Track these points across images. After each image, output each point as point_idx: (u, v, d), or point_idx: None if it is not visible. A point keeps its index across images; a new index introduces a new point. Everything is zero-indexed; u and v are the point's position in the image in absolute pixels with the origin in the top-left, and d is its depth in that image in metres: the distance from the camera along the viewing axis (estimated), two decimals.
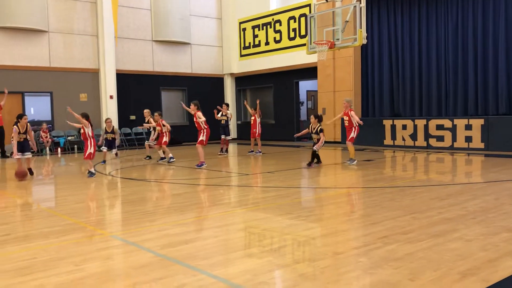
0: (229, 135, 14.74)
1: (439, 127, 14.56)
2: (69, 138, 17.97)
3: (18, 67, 17.07)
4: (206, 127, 11.28)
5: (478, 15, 14.61)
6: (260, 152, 14.43)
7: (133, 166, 12.57)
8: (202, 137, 11.22)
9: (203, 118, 11.20)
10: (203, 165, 11.14)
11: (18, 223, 5.98)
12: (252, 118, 14.56)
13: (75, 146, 17.79)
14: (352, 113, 11.18)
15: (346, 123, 11.32)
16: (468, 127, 13.87)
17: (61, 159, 15.43)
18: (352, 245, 4.53)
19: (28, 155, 10.18)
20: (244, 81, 22.78)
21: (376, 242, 4.49)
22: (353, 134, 11.22)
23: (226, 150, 14.76)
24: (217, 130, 14.76)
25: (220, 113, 14.50)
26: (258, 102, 14.95)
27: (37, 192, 9.02)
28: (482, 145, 13.58)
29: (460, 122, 14.08)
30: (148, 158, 13.74)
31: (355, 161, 11.15)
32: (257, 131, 14.39)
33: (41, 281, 3.62)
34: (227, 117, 14.56)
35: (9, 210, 6.91)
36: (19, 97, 17.36)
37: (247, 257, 4.20)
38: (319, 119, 10.93)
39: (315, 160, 10.89)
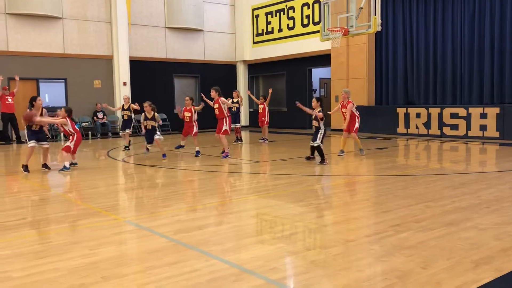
0: (239, 123, 14.52)
1: (454, 115, 14.39)
2: (83, 124, 18.12)
3: (33, 53, 17.19)
4: (228, 115, 10.93)
5: (495, 2, 14.32)
6: (266, 139, 14.38)
7: (146, 153, 12.63)
8: (225, 126, 10.67)
9: (228, 102, 10.93)
10: (228, 155, 10.71)
11: (33, 207, 6.07)
12: (261, 106, 14.50)
13: (89, 132, 17.95)
14: (350, 105, 10.54)
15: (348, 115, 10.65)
16: (483, 115, 13.68)
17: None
18: (364, 232, 4.52)
19: (45, 144, 9.34)
20: (256, 68, 22.70)
21: (388, 230, 4.48)
22: (357, 125, 10.68)
23: (240, 138, 14.64)
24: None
25: (231, 100, 14.23)
26: (270, 91, 14.89)
27: (52, 177, 9.14)
28: (497, 134, 13.40)
29: (475, 111, 13.90)
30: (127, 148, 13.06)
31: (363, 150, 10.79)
32: (266, 119, 14.39)
33: (56, 265, 3.69)
34: (239, 104, 14.42)
35: (25, 195, 7.02)
36: (33, 83, 17.52)
37: (259, 243, 4.22)
38: (321, 102, 9.68)
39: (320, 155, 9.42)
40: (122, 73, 18.89)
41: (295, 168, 9.05)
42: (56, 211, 5.67)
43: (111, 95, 19.10)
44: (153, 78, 20.07)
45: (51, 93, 18.12)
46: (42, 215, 5.54)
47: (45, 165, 9.44)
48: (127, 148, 12.99)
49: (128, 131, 13.12)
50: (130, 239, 4.52)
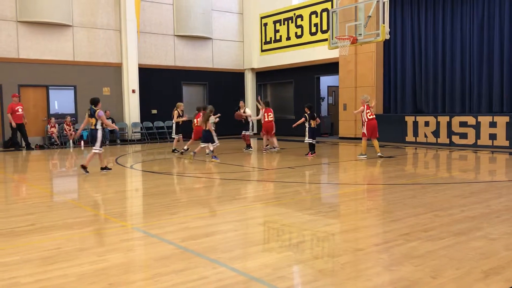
0: (248, 131, 14.42)
1: (463, 124, 14.31)
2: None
3: (43, 61, 17.37)
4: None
5: (505, 10, 14.25)
6: (266, 149, 14.11)
7: (154, 160, 12.69)
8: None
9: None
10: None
11: (42, 213, 6.10)
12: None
13: None
14: (361, 108, 11.55)
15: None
16: (493, 124, 13.58)
17: (84, 151, 15.67)
18: (373, 241, 4.50)
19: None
20: (264, 76, 22.75)
21: (397, 239, 4.45)
22: (363, 130, 11.62)
23: (249, 146, 14.49)
24: (237, 125, 14.57)
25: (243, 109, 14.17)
26: (259, 98, 14.93)
27: (61, 184, 9.20)
28: (507, 143, 13.29)
29: (485, 119, 13.80)
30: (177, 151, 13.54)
31: (365, 156, 11.51)
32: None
33: (64, 271, 3.70)
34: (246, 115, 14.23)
35: (34, 201, 7.05)
36: (43, 90, 17.68)
37: (266, 251, 4.21)
38: (308, 107, 12.41)
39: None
40: (131, 81, 19.02)
41: (304, 176, 9.03)
42: (65, 217, 5.69)
43: (120, 102, 19.23)
44: (161, 85, 20.19)
45: (61, 100, 18.26)
46: (51, 221, 5.56)
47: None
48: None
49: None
50: (138, 246, 4.53)
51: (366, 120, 11.41)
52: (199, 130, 12.17)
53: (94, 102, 9.44)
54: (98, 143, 9.46)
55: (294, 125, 12.51)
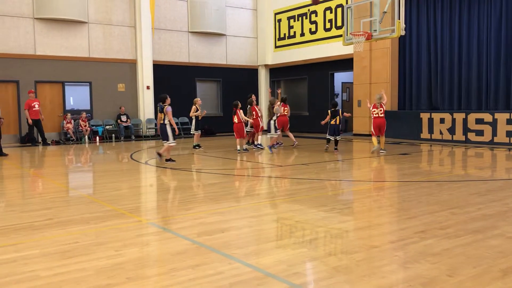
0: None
1: (479, 121, 14.14)
2: (107, 127, 18.41)
3: (59, 57, 17.56)
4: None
5: None
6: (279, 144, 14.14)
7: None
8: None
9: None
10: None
11: (60, 208, 6.19)
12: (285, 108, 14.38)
13: (113, 135, 18.22)
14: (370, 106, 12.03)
15: None
16: (510, 121, 13.39)
17: (99, 147, 15.84)
18: (388, 239, 4.48)
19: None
20: (278, 73, 22.72)
21: (412, 236, 4.43)
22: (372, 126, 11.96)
23: (252, 143, 14.37)
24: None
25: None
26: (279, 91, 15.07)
27: (77, 179, 9.31)
28: None
29: (501, 116, 13.62)
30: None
31: (383, 150, 11.77)
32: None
33: (83, 265, 3.75)
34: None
35: (51, 195, 7.16)
36: (59, 86, 17.89)
37: (281, 247, 4.22)
38: (333, 105, 12.65)
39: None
40: (145, 77, 19.14)
41: (318, 173, 9.01)
42: (82, 212, 5.77)
43: (135, 98, 19.36)
44: (176, 82, 20.27)
45: (76, 96, 18.46)
46: (68, 215, 5.64)
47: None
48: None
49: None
50: (153, 241, 4.57)
51: (372, 116, 11.86)
52: (240, 126, 12.37)
53: (162, 99, 10.02)
54: (170, 137, 10.01)
55: (322, 122, 12.72)
